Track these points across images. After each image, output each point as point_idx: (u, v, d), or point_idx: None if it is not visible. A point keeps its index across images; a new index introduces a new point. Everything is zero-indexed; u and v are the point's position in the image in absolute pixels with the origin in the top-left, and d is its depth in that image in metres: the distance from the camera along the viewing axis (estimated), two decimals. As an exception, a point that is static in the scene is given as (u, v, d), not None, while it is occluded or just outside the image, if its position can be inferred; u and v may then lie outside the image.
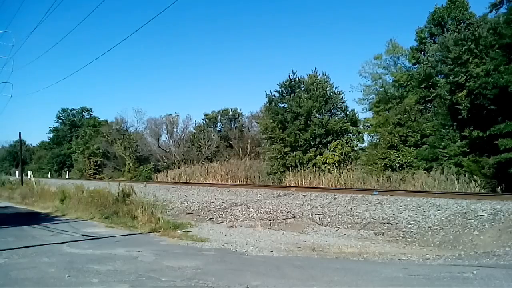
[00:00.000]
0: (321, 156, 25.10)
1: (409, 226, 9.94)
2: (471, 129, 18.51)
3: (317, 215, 11.93)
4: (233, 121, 44.75)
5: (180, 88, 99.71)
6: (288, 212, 12.68)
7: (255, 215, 13.02)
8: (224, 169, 31.56)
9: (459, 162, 18.72)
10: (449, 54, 20.17)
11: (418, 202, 11.65)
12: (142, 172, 40.55)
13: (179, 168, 37.86)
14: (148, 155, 44.39)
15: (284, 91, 28.29)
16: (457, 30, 22.89)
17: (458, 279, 5.22)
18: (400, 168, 21.22)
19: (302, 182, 23.40)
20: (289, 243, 9.24)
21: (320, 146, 25.58)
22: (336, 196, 14.03)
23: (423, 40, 26.18)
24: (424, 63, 25.22)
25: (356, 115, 28.05)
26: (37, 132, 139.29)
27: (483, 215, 9.54)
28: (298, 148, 25.87)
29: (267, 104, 29.00)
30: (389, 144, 22.20)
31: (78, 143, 55.07)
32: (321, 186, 20.31)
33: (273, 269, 6.18)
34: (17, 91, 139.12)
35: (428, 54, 25.54)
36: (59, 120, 67.23)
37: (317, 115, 26.11)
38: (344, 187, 20.01)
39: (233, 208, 14.27)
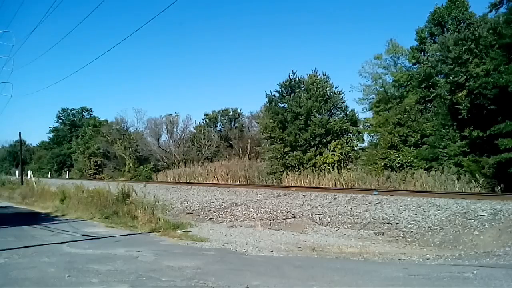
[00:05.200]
0: (321, 156, 25.10)
1: (409, 226, 9.94)
2: (471, 129, 18.51)
3: (317, 215, 11.92)
4: (233, 121, 44.72)
5: (180, 88, 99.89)
6: (288, 212, 12.67)
7: (255, 215, 13.02)
8: (224, 169, 31.56)
9: (459, 162, 18.72)
10: (449, 54, 20.18)
11: (418, 202, 11.64)
12: (142, 172, 40.56)
13: (179, 168, 37.86)
14: (148, 155, 44.40)
15: (284, 91, 28.32)
16: (457, 30, 22.91)
17: (458, 279, 5.22)
18: (400, 168, 21.22)
19: (302, 182, 23.38)
20: (289, 243, 9.24)
21: (320, 146, 25.58)
22: (336, 196, 14.02)
23: (423, 40, 26.18)
24: (424, 63, 25.23)
25: (356, 115, 28.08)
26: (37, 132, 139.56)
27: (483, 215, 9.54)
28: (298, 148, 25.87)
29: (267, 104, 29.02)
30: (389, 144, 22.21)
31: (78, 143, 55.06)
32: (321, 186, 20.30)
33: (273, 269, 6.18)
34: (17, 91, 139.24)
35: (428, 54, 25.56)
36: (59, 120, 67.36)
37: (317, 115, 26.10)
38: (344, 187, 20.01)
39: (233, 208, 14.27)
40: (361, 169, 22.89)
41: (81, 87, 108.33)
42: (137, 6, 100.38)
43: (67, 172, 55.67)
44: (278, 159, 26.38)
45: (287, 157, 26.04)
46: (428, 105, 23.77)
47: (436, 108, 22.44)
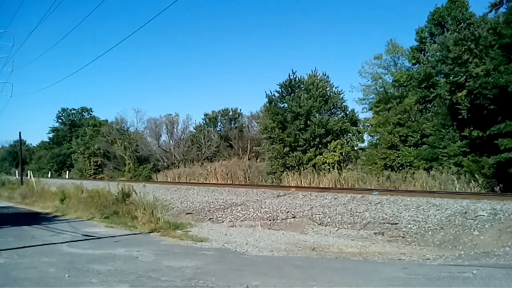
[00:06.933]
0: (321, 156, 25.09)
1: (409, 226, 9.95)
2: (471, 129, 18.50)
3: (317, 215, 11.92)
4: (233, 121, 44.73)
5: (180, 88, 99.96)
6: (288, 212, 12.68)
7: (255, 215, 13.02)
8: (224, 169, 31.57)
9: (459, 162, 18.71)
10: (449, 54, 20.16)
11: (418, 202, 11.65)
12: (142, 172, 40.56)
13: (179, 168, 37.86)
14: (148, 155, 44.41)
15: (284, 91, 28.31)
16: (457, 30, 22.89)
17: (458, 279, 5.22)
18: (400, 168, 21.21)
19: (302, 182, 23.37)
20: (289, 243, 9.25)
21: (320, 146, 25.57)
22: (336, 196, 14.03)
23: (423, 40, 26.16)
24: (424, 63, 25.21)
25: (356, 115, 28.07)
26: (37, 132, 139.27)
27: (483, 215, 9.54)
28: (298, 148, 25.86)
29: (267, 104, 29.00)
30: (389, 144, 22.20)
31: (78, 143, 55.08)
32: (321, 186, 20.30)
33: (273, 269, 6.18)
34: (17, 91, 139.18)
35: (428, 54, 25.54)
36: (59, 120, 67.40)
37: (317, 115, 26.09)
38: (344, 187, 20.00)
39: (233, 208, 14.27)
40: (361, 169, 22.89)
41: (81, 87, 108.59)
42: (137, 6, 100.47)
43: (67, 172, 55.67)
44: (278, 159, 26.37)
45: (287, 157, 26.03)
46: (428, 105, 23.76)
47: (436, 108, 22.44)
